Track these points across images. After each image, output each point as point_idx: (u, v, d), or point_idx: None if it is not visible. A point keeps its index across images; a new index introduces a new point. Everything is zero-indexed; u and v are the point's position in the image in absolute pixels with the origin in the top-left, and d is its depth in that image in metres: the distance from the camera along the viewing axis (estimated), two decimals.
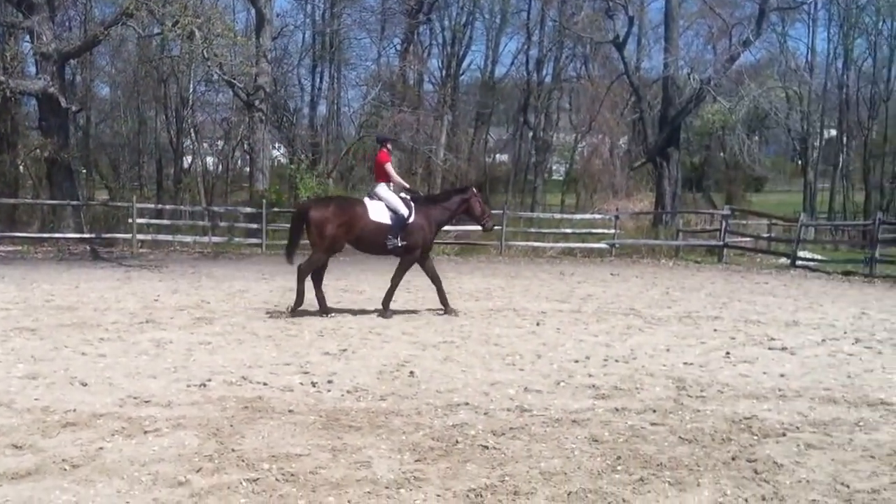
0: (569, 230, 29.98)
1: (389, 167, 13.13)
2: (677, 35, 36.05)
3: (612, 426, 6.58)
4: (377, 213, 12.69)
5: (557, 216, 33.95)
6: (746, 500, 5.00)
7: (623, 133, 48.61)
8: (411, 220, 12.81)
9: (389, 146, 13.82)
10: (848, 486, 5.31)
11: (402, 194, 13.16)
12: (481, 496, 4.96)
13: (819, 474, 5.55)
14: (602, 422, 6.70)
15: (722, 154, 50.88)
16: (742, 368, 9.18)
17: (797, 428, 6.68)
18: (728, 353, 10.10)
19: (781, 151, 61.48)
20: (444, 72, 45.07)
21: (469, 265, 23.95)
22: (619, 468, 5.54)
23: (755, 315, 13.61)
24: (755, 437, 6.38)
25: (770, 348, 10.54)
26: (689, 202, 44.88)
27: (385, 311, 12.79)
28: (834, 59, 48.90)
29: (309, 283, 12.71)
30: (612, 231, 29.18)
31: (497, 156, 52.98)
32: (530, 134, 46.72)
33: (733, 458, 5.82)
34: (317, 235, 12.51)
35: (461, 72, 46.37)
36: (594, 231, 30.03)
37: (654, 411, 7.11)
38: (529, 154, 47.53)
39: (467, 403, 7.23)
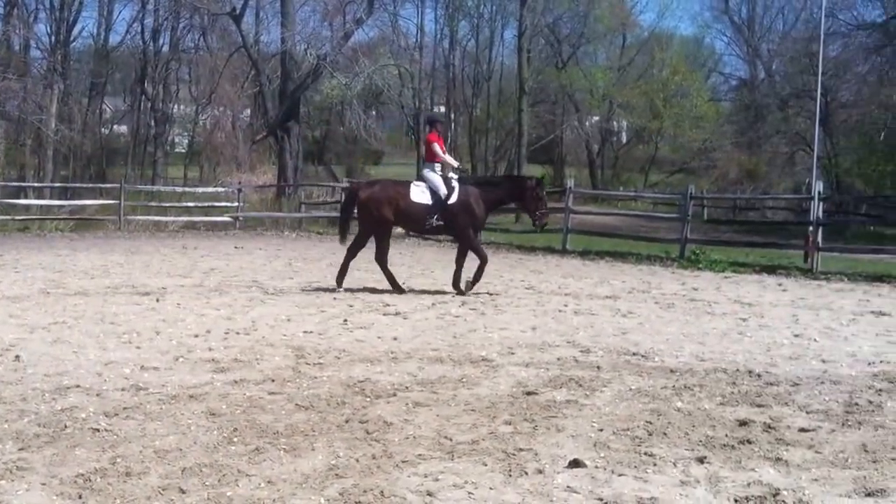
0: (192, 203, 29.56)
1: (436, 147, 13.15)
2: (293, 10, 36.35)
3: (231, 398, 6.59)
4: (419, 193, 13.14)
5: (179, 189, 33.30)
6: (358, 460, 5.22)
7: (245, 106, 48.32)
8: (452, 200, 12.89)
9: (440, 127, 13.95)
10: (451, 439, 5.67)
11: (451, 174, 13.23)
12: (90, 480, 4.77)
13: (425, 430, 5.89)
14: (220, 395, 6.70)
15: (342, 128, 52.18)
16: (358, 334, 9.55)
17: (406, 388, 7.07)
18: (346, 320, 10.45)
19: (396, 126, 64.05)
20: (53, 38, 42.10)
21: (86, 241, 22.77)
22: (235, 440, 5.57)
23: (373, 283, 14.10)
24: (368, 399, 6.67)
25: (385, 314, 11.04)
26: (312, 175, 45.66)
27: (458, 290, 13.11)
28: (441, 39, 51.84)
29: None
30: (236, 204, 29.11)
31: (115, 127, 50.57)
32: (149, 105, 45.11)
33: (347, 421, 6.05)
34: (365, 215, 13.25)
35: (72, 38, 43.59)
36: (218, 204, 29.76)
37: (273, 381, 7.21)
38: (149, 125, 45.88)
39: (78, 386, 6.90)
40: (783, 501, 4.63)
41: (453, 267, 13.46)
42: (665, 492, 4.77)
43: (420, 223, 13.41)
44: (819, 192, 19.00)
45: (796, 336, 9.92)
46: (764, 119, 50.10)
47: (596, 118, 56.05)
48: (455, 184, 13.27)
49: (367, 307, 11.59)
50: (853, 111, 43.95)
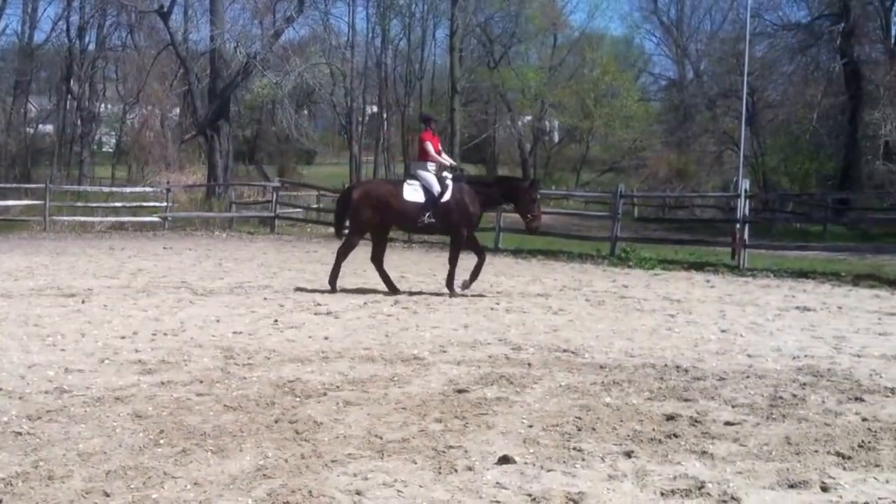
0: (119, 204, 29.11)
1: (428, 146, 12.98)
2: (223, 8, 35.96)
3: (157, 400, 6.48)
4: (412, 192, 12.99)
5: (107, 189, 32.75)
6: (287, 461, 5.17)
7: (174, 105, 47.67)
8: (445, 198, 12.77)
9: (433, 125, 13.69)
10: (381, 438, 5.65)
11: (445, 173, 13.05)
12: (11, 485, 4.66)
13: (356, 429, 5.85)
14: (147, 397, 6.58)
15: (273, 127, 51.78)
16: (289, 334, 9.47)
17: (337, 387, 7.02)
18: (276, 320, 10.35)
19: (329, 125, 63.73)
20: None
21: (9, 243, 22.23)
22: (161, 442, 5.48)
23: (304, 283, 14.09)
24: (298, 399, 6.61)
25: (316, 313, 10.96)
26: (243, 174, 45.27)
27: (451, 292, 13.05)
28: (373, 38, 51.66)
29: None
30: (165, 204, 28.75)
31: (40, 126, 49.49)
32: (75, 104, 44.28)
33: (276, 422, 5.99)
34: (355, 215, 13.17)
35: None
36: (146, 204, 29.35)
37: (201, 382, 7.10)
38: (75, 125, 45.02)
39: (0, 389, 6.74)
40: (708, 494, 4.70)
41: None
42: (593, 486, 4.81)
43: (412, 221, 13.25)
44: (746, 191, 19.32)
45: (723, 331, 10.09)
46: (692, 119, 50.96)
47: (528, 118, 56.38)
48: (449, 182, 13.14)
49: (298, 307, 11.50)
50: (779, 111, 44.92)
